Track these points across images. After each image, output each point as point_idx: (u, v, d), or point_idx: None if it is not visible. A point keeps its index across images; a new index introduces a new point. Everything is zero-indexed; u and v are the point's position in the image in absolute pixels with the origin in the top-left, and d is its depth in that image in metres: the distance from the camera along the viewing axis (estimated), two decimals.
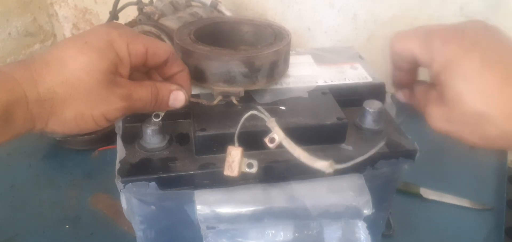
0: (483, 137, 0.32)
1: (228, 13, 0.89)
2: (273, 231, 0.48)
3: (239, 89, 0.47)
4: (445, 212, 0.68)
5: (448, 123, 0.35)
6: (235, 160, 0.40)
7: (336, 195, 0.44)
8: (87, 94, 0.35)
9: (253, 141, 0.42)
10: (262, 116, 0.40)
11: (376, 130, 0.49)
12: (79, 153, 0.79)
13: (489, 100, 0.31)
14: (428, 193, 0.70)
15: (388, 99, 0.54)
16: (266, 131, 0.40)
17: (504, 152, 0.81)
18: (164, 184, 0.42)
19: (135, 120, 0.48)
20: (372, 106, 0.49)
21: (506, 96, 0.31)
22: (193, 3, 0.91)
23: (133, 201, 0.43)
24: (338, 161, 0.39)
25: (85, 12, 1.25)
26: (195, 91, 0.49)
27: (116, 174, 0.41)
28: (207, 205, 0.42)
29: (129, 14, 0.86)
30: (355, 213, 0.45)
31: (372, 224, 0.46)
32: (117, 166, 0.42)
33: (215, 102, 0.47)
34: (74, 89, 0.34)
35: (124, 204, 0.44)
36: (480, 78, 0.32)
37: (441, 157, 0.77)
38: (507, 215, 0.68)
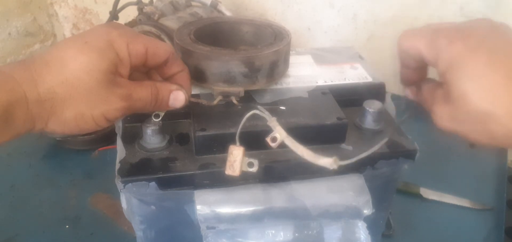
0: (489, 136, 0.32)
1: (228, 13, 0.89)
2: (273, 231, 0.48)
3: (239, 89, 0.47)
4: (445, 212, 0.68)
5: (454, 122, 0.35)
6: (236, 159, 0.40)
7: (336, 195, 0.44)
8: (87, 94, 0.35)
9: (253, 141, 0.42)
10: (264, 115, 0.40)
11: (376, 130, 0.49)
12: (79, 153, 0.79)
13: (494, 99, 0.31)
14: (428, 193, 0.70)
15: (388, 99, 0.54)
16: (267, 131, 0.40)
17: (504, 152, 0.81)
18: (164, 184, 0.42)
19: (135, 120, 0.48)
20: (372, 106, 0.49)
21: (511, 94, 0.31)
22: (193, 3, 0.91)
23: (133, 201, 0.43)
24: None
25: (85, 12, 1.25)
26: (195, 91, 0.49)
27: (116, 174, 0.41)
28: (207, 205, 0.42)
29: (129, 14, 0.86)
30: (355, 213, 0.45)
31: (372, 224, 0.46)
32: (117, 166, 0.42)
33: (215, 102, 0.47)
34: (74, 89, 0.34)
35: (124, 204, 0.44)
36: (485, 77, 0.32)
37: (441, 157, 0.77)
38: (507, 215, 0.67)
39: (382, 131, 0.49)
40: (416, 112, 0.44)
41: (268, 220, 0.44)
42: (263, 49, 0.48)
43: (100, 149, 0.77)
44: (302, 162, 0.40)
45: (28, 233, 0.63)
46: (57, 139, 0.80)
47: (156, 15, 0.80)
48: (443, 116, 0.36)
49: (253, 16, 1.06)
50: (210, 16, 0.87)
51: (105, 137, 0.78)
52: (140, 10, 0.81)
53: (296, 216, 0.45)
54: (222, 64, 0.46)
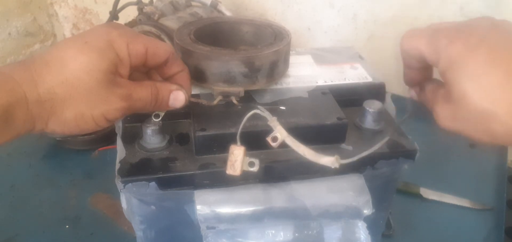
0: (490, 135, 0.32)
1: (228, 13, 0.89)
2: (273, 231, 0.48)
3: (239, 89, 0.47)
4: (445, 212, 0.68)
5: (455, 121, 0.35)
6: (237, 159, 0.40)
7: (336, 195, 0.44)
8: (87, 94, 0.35)
9: (253, 141, 0.42)
10: (264, 115, 0.40)
11: (376, 130, 0.49)
12: (79, 153, 0.79)
13: (494, 98, 0.31)
14: (428, 193, 0.70)
15: (388, 99, 0.54)
16: (267, 130, 0.40)
17: (504, 152, 0.81)
18: (164, 184, 0.42)
19: (135, 120, 0.48)
20: (372, 106, 0.49)
21: (511, 92, 0.31)
22: (193, 3, 0.91)
23: (133, 201, 0.43)
24: None
25: (85, 12, 1.25)
26: (195, 91, 0.49)
27: (116, 174, 0.41)
28: (207, 205, 0.42)
29: (129, 14, 0.86)
30: (355, 213, 0.45)
31: (372, 224, 0.46)
32: (117, 166, 0.42)
33: (215, 102, 0.47)
34: (74, 89, 0.34)
35: (124, 204, 0.44)
36: (485, 76, 0.32)
37: (441, 157, 0.77)
38: (507, 215, 0.68)
39: (382, 131, 0.49)
40: (417, 112, 0.44)
41: (268, 220, 0.44)
42: (263, 49, 0.48)
43: (100, 149, 0.77)
44: (302, 162, 0.40)
45: (28, 233, 0.63)
46: (57, 139, 0.80)
47: (156, 15, 0.80)
48: (445, 116, 0.36)
49: (253, 16, 1.06)
50: (210, 16, 0.87)
51: (105, 137, 0.78)
52: (140, 10, 0.81)
53: (296, 216, 0.45)
54: (222, 64, 0.46)
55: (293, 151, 0.40)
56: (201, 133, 0.43)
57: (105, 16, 0.97)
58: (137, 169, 0.42)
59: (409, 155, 0.47)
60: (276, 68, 0.49)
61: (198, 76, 0.47)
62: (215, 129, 0.44)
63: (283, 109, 0.47)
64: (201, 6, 0.90)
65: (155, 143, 0.45)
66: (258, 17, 0.81)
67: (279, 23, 0.56)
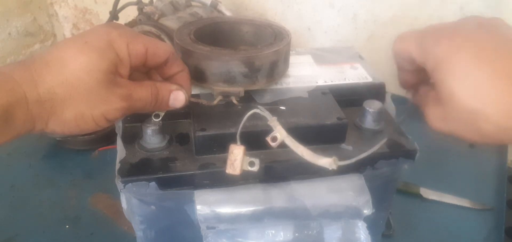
0: (480, 133, 0.32)
1: (228, 13, 0.89)
2: (273, 231, 0.48)
3: (239, 89, 0.47)
4: (445, 212, 0.68)
5: (446, 122, 0.35)
6: (237, 158, 0.40)
7: (336, 195, 0.44)
8: (87, 94, 0.35)
9: (253, 141, 0.42)
10: (264, 115, 0.40)
11: (376, 130, 0.49)
12: (79, 153, 0.79)
13: (481, 96, 0.31)
14: (428, 193, 0.70)
15: (388, 99, 0.54)
16: (267, 130, 0.40)
17: (504, 152, 0.81)
18: (164, 184, 0.42)
19: (135, 120, 0.48)
20: (372, 106, 0.49)
21: (498, 91, 0.31)
22: (193, 3, 0.91)
23: (133, 201, 0.43)
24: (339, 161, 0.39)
25: (85, 12, 1.25)
26: (195, 91, 0.49)
27: (116, 174, 0.41)
28: (207, 205, 0.42)
29: (129, 14, 0.86)
30: (355, 213, 0.45)
31: (372, 224, 0.46)
32: (117, 166, 0.42)
33: (215, 102, 0.47)
34: (74, 89, 0.34)
35: (124, 204, 0.44)
36: (471, 75, 0.32)
37: (441, 157, 0.77)
38: (507, 215, 0.68)
39: (382, 131, 0.49)
40: (415, 113, 0.44)
41: (268, 220, 0.44)
42: (263, 49, 0.48)
43: (100, 149, 0.77)
44: (302, 162, 0.40)
45: (28, 233, 0.63)
46: (57, 139, 0.80)
47: (156, 15, 0.80)
48: (435, 117, 0.36)
49: (253, 16, 1.06)
50: (210, 16, 0.87)
51: (105, 137, 0.78)
52: (140, 10, 0.81)
53: (296, 216, 0.45)
54: (222, 64, 0.46)
55: (293, 151, 0.40)
56: (201, 133, 0.43)
57: (105, 16, 0.97)
58: (137, 169, 0.42)
59: (409, 155, 0.47)
60: (276, 68, 0.49)
61: (198, 76, 0.47)
62: (215, 129, 0.44)
63: (283, 109, 0.47)
64: (201, 6, 0.90)
65: (155, 143, 0.45)
66: (258, 17, 0.81)
67: (279, 23, 0.56)
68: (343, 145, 0.47)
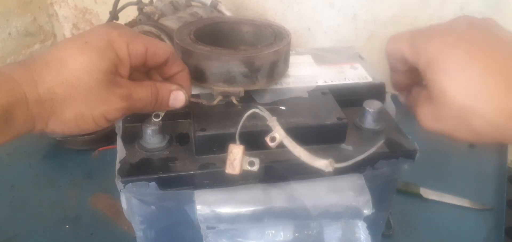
0: (472, 131, 0.32)
1: (228, 13, 0.89)
2: (273, 231, 0.48)
3: (239, 89, 0.47)
4: (445, 212, 0.68)
5: (437, 121, 0.35)
6: (236, 158, 0.40)
7: (336, 195, 0.44)
8: (87, 94, 0.35)
9: (253, 141, 0.42)
10: (263, 115, 0.40)
11: (376, 130, 0.49)
12: (79, 153, 0.79)
13: (473, 93, 0.31)
14: (428, 193, 0.70)
15: (388, 99, 0.54)
16: (267, 130, 0.40)
17: (504, 152, 0.81)
18: (164, 184, 0.42)
19: (135, 120, 0.48)
20: (372, 106, 0.49)
21: (490, 88, 0.31)
22: (193, 3, 0.91)
23: (133, 201, 0.43)
24: (338, 161, 0.39)
25: (85, 12, 1.25)
26: (195, 91, 0.49)
27: (116, 174, 0.41)
28: (207, 205, 0.42)
29: (129, 14, 0.86)
30: (355, 213, 0.45)
31: (372, 224, 0.46)
32: (117, 166, 0.42)
33: (215, 102, 0.47)
34: (74, 89, 0.34)
35: (124, 204, 0.44)
36: (463, 72, 0.32)
37: (441, 157, 0.77)
38: (507, 215, 0.68)
39: (382, 131, 0.49)
40: (406, 115, 0.44)
41: (268, 220, 0.44)
42: (263, 49, 0.48)
43: (100, 149, 0.77)
44: (301, 162, 0.40)
45: (28, 233, 0.63)
46: (57, 139, 0.80)
47: (156, 15, 0.80)
48: (426, 116, 0.36)
49: (253, 16, 1.06)
50: (210, 16, 0.87)
51: (105, 137, 0.78)
52: (140, 10, 0.81)
53: (296, 216, 0.45)
54: (222, 64, 0.46)
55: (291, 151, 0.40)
56: (201, 133, 0.43)
57: (105, 16, 0.97)
58: (137, 169, 0.42)
59: (409, 155, 0.47)
60: (276, 68, 0.49)
61: (198, 76, 0.47)
62: (215, 129, 0.44)
63: (283, 109, 0.47)
64: (201, 6, 0.90)
65: (155, 143, 0.45)
66: (258, 17, 0.81)
67: (279, 23, 0.56)
68: (343, 145, 0.47)
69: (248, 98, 0.49)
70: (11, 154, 0.80)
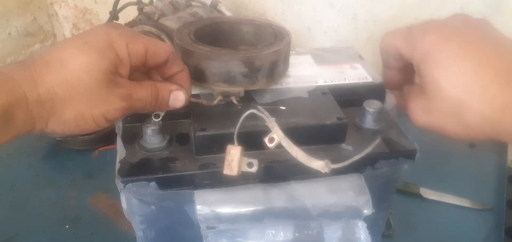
0: (464, 125, 0.32)
1: (228, 13, 0.89)
2: (273, 231, 0.48)
3: (239, 89, 0.47)
4: (445, 212, 0.68)
5: (429, 115, 0.35)
6: (234, 159, 0.40)
7: (336, 195, 0.44)
8: (87, 94, 0.35)
9: (252, 141, 0.42)
10: (262, 115, 0.40)
11: (376, 130, 0.49)
12: (79, 153, 0.79)
13: (466, 86, 0.31)
14: (428, 193, 0.70)
15: (388, 99, 0.54)
16: (266, 131, 0.40)
17: (504, 152, 0.81)
18: (164, 184, 0.42)
19: (135, 120, 0.48)
20: (372, 106, 0.49)
21: (483, 81, 0.31)
22: (193, 3, 0.91)
23: (133, 201, 0.43)
24: (338, 161, 0.39)
25: (85, 12, 1.25)
26: (195, 91, 0.49)
27: (116, 174, 0.41)
28: (207, 205, 0.42)
29: (129, 14, 0.86)
30: (355, 213, 0.45)
31: (372, 224, 0.46)
32: (117, 166, 0.42)
33: (215, 102, 0.47)
34: (74, 89, 0.34)
35: (124, 204, 0.44)
36: (456, 65, 0.32)
37: (441, 157, 0.77)
38: (507, 215, 0.68)
39: (382, 131, 0.49)
40: (400, 114, 0.45)
41: (268, 220, 0.44)
42: (263, 49, 0.48)
43: (100, 149, 0.77)
44: (300, 162, 0.40)
45: (28, 233, 0.63)
46: (57, 139, 0.80)
47: (156, 15, 0.80)
48: (418, 110, 0.36)
49: (253, 16, 1.06)
50: (210, 16, 0.87)
51: (105, 137, 0.78)
52: (140, 10, 0.81)
53: (296, 216, 0.45)
54: (222, 64, 0.46)
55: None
56: (201, 133, 0.43)
57: (105, 16, 0.97)
58: (137, 169, 0.42)
59: (409, 155, 0.47)
60: (276, 68, 0.49)
61: (198, 76, 0.47)
62: (215, 129, 0.44)
63: (283, 109, 0.47)
64: (201, 6, 0.90)
65: (155, 143, 0.45)
66: (258, 17, 0.81)
67: (279, 23, 0.56)
68: (343, 145, 0.47)
69: (248, 98, 0.49)
70: (11, 154, 0.80)
